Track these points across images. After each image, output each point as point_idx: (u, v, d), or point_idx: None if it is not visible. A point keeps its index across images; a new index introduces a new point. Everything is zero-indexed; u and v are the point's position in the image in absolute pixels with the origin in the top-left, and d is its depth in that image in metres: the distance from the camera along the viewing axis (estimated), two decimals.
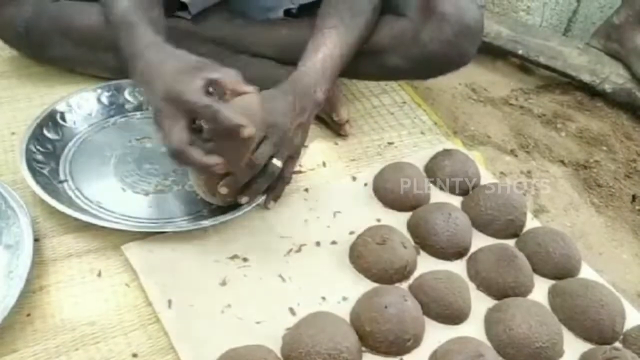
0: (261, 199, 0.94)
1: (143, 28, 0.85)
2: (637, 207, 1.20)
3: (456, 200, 1.05)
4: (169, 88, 0.76)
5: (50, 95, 1.12)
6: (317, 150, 1.11)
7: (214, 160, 0.76)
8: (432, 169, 1.09)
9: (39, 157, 0.96)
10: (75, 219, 0.86)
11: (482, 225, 1.01)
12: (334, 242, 0.94)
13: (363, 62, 1.11)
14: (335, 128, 1.16)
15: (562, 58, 1.51)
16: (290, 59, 1.17)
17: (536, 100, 1.48)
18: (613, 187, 1.23)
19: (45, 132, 1.00)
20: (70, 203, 0.90)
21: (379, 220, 0.99)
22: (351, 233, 0.95)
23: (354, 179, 1.07)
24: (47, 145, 0.99)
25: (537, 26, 1.63)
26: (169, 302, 0.79)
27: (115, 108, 1.10)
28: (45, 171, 0.94)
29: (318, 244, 0.93)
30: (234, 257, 0.88)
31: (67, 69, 1.16)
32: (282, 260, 0.89)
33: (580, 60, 1.50)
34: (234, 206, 0.92)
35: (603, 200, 1.20)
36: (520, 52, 1.53)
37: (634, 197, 1.21)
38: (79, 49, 1.10)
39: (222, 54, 1.20)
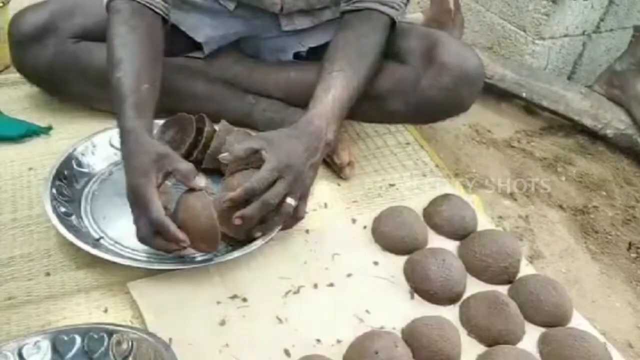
0: (269, 237, 0.98)
1: (127, 109, 0.93)
2: (632, 255, 1.22)
3: (453, 245, 1.08)
4: (134, 186, 0.87)
5: (68, 131, 1.19)
6: (319, 192, 1.15)
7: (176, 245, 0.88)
8: (430, 214, 1.13)
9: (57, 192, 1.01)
10: (86, 254, 0.91)
11: (477, 271, 1.04)
12: (331, 285, 0.97)
13: (366, 106, 1.16)
14: (337, 170, 1.20)
15: (564, 102, 1.54)
16: (297, 100, 1.23)
17: (538, 142, 1.52)
18: (610, 234, 1.26)
19: (66, 172, 1.05)
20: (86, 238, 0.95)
21: (376, 263, 1.03)
22: (349, 275, 0.99)
23: (354, 221, 1.11)
24: (68, 183, 1.04)
25: (542, 69, 1.66)
26: (170, 340, 0.83)
27: None
28: (63, 208, 0.99)
29: (316, 285, 0.97)
30: (234, 297, 0.92)
31: (85, 105, 1.22)
32: (280, 301, 0.93)
33: (583, 105, 1.53)
34: (239, 244, 0.96)
35: (599, 246, 1.23)
36: (524, 95, 1.57)
37: (630, 245, 1.23)
38: (96, 87, 1.16)
39: (231, 93, 1.27)
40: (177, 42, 1.20)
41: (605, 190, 1.39)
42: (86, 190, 1.06)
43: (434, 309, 0.96)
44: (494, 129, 1.55)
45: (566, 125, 1.57)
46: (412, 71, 1.17)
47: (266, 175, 0.90)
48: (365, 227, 1.10)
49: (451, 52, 1.15)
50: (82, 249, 0.90)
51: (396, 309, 0.95)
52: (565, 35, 1.67)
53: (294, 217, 0.97)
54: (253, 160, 0.95)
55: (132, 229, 0.88)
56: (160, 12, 1.06)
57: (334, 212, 1.13)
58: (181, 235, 0.86)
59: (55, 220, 0.93)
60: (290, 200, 0.93)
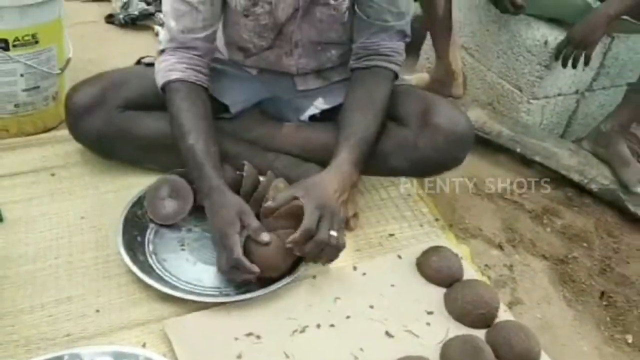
0: (294, 275, 1.19)
1: (209, 171, 1.19)
2: (604, 303, 1.37)
3: (440, 292, 1.26)
4: (221, 232, 1.14)
5: (115, 185, 1.39)
6: None
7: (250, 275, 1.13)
8: (422, 264, 1.30)
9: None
10: (130, 294, 1.11)
11: (459, 316, 1.20)
12: (332, 325, 1.15)
13: (372, 163, 1.35)
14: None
15: (555, 158, 1.70)
16: (311, 157, 1.43)
17: (529, 195, 1.68)
18: (585, 283, 1.41)
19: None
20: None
21: (371, 307, 1.20)
22: (347, 318, 1.17)
23: (355, 268, 1.29)
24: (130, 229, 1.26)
25: (537, 125, 1.82)
26: None
27: None
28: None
29: (319, 326, 1.15)
30: (250, 334, 1.10)
31: (128, 164, 1.43)
32: (288, 339, 1.11)
33: (571, 161, 1.69)
34: (261, 283, 1.17)
35: (574, 294, 1.38)
36: (518, 150, 1.73)
37: (602, 294, 1.38)
38: (139, 150, 1.37)
39: (254, 151, 1.46)
40: None
41: (586, 241, 1.54)
42: (147, 236, 1.27)
43: (420, 345, 1.14)
44: (491, 181, 1.72)
45: (557, 178, 1.73)
46: (411, 133, 1.36)
47: (313, 217, 1.13)
48: (364, 273, 1.28)
49: (444, 115, 1.34)
50: (144, 281, 1.14)
51: (388, 346, 1.12)
52: (559, 95, 1.83)
53: (337, 247, 1.17)
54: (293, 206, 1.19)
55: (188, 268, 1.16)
56: (206, 86, 1.30)
57: (338, 260, 1.30)
58: (255, 268, 1.11)
59: (127, 260, 1.17)
60: (333, 232, 1.14)
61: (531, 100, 1.78)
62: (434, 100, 1.39)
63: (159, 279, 1.17)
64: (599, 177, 1.66)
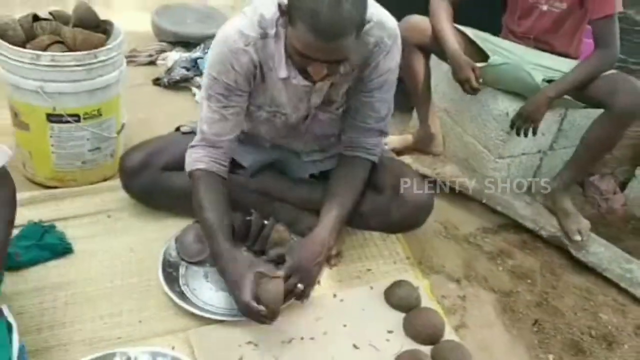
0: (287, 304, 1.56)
1: (220, 239, 1.54)
2: (535, 329, 1.71)
3: (400, 316, 1.63)
4: (231, 282, 1.51)
5: (156, 226, 1.81)
6: None
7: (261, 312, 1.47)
8: (388, 294, 1.68)
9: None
10: (164, 310, 1.52)
11: (412, 335, 1.58)
12: (312, 338, 1.54)
13: (354, 221, 1.77)
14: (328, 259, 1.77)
15: (513, 208, 2.06)
16: (307, 207, 1.82)
17: (491, 239, 2.03)
18: (522, 313, 1.75)
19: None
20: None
21: (345, 325, 1.58)
22: (325, 333, 1.55)
23: (335, 295, 1.67)
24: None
25: (504, 180, 2.17)
26: None
27: None
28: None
29: (302, 338, 1.53)
30: (249, 342, 1.50)
31: (167, 211, 1.86)
32: (279, 347, 1.50)
33: (526, 211, 2.05)
34: None
35: (512, 322, 1.72)
36: (484, 200, 2.10)
37: (535, 321, 1.72)
38: (175, 201, 1.80)
39: (265, 200, 1.86)
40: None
41: (531, 278, 1.88)
42: (180, 271, 1.68)
43: (379, 357, 1.51)
44: (460, 225, 2.08)
45: (515, 225, 2.08)
46: (384, 200, 1.75)
47: (286, 272, 1.52)
48: (342, 300, 1.66)
49: (410, 189, 1.72)
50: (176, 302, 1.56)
51: (354, 357, 1.50)
52: (523, 154, 2.18)
53: (302, 296, 1.54)
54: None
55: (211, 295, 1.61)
56: (225, 177, 1.66)
57: (323, 288, 1.69)
58: (262, 308, 1.44)
59: (166, 289, 1.58)
60: (300, 285, 1.51)
61: (497, 160, 2.14)
62: (404, 172, 1.77)
63: (189, 301, 1.58)
64: (547, 225, 2.01)
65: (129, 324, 1.53)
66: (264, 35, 1.51)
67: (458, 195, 2.17)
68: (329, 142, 1.83)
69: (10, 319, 1.33)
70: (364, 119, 1.68)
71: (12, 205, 1.34)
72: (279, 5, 1.42)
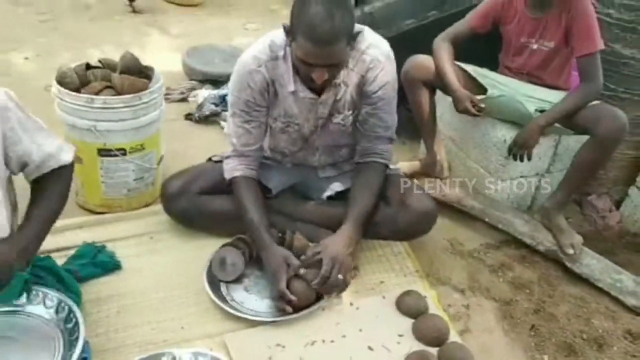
0: (318, 305, 1.82)
1: (264, 235, 1.86)
2: (532, 334, 1.90)
3: (410, 322, 1.84)
4: (273, 272, 1.83)
5: (194, 245, 2.06)
6: None
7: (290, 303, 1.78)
8: (399, 302, 1.90)
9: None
10: (203, 315, 1.76)
11: (420, 338, 1.79)
12: (332, 341, 1.76)
13: (368, 231, 2.00)
14: None
15: (512, 226, 2.27)
16: (325, 225, 2.06)
17: (493, 253, 2.24)
18: (520, 319, 1.95)
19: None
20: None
21: (361, 330, 1.80)
22: (343, 337, 1.77)
23: (351, 304, 1.89)
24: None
25: (505, 201, 2.38)
26: None
27: None
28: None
29: (324, 341, 1.75)
30: (278, 344, 1.72)
31: (204, 231, 2.10)
32: (303, 349, 1.72)
33: (524, 228, 2.25)
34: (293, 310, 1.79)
35: (511, 327, 1.92)
36: (486, 219, 2.31)
37: (532, 326, 1.92)
38: (211, 222, 2.05)
39: (286, 220, 2.10)
40: None
41: (529, 288, 2.08)
42: (223, 290, 1.91)
43: (390, 357, 1.72)
44: (465, 242, 2.29)
45: (515, 241, 2.29)
46: (392, 211, 2.00)
47: (327, 267, 1.78)
48: (357, 308, 1.88)
49: (416, 200, 1.97)
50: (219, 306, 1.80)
51: (369, 357, 1.72)
52: (522, 177, 2.40)
53: (344, 285, 1.82)
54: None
55: (251, 303, 1.85)
56: (257, 179, 1.97)
57: (342, 298, 1.91)
58: (293, 298, 1.75)
59: (214, 297, 1.82)
60: (340, 276, 1.78)
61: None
62: (410, 188, 2.02)
63: (230, 306, 1.82)
64: (544, 241, 2.21)
65: (173, 329, 1.76)
66: (274, 57, 1.84)
67: (463, 215, 2.38)
68: (341, 155, 2.09)
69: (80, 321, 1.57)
70: (373, 128, 1.97)
71: (63, 199, 1.62)
72: (284, 27, 1.74)
